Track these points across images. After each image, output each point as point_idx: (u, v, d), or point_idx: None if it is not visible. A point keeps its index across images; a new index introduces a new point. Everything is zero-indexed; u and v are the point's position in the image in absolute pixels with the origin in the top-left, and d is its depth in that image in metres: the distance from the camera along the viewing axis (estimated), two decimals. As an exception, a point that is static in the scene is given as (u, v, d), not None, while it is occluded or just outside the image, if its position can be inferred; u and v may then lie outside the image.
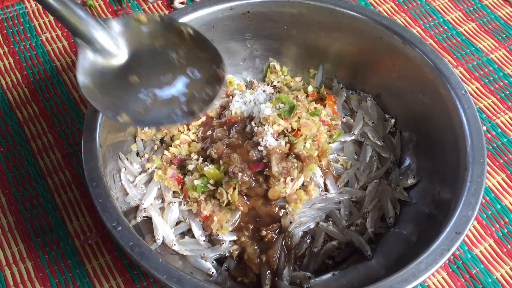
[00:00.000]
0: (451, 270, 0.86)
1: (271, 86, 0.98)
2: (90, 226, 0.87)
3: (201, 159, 0.82)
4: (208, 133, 0.87)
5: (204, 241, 0.80)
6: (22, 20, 1.14)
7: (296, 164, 0.80)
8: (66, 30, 1.13)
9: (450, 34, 1.18)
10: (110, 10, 1.17)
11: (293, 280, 0.78)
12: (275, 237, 0.80)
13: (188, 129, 0.89)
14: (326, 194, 0.84)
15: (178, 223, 0.82)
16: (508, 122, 1.04)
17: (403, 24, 1.17)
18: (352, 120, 0.94)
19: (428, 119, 0.85)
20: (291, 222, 0.81)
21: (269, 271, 0.78)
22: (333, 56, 0.97)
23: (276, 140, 0.81)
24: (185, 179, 0.81)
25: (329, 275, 0.78)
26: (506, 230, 0.90)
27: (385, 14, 1.20)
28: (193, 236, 0.80)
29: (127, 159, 0.85)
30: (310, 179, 0.83)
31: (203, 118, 0.89)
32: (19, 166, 0.94)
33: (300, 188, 0.81)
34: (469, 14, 1.22)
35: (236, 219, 0.80)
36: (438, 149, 0.82)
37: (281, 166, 0.78)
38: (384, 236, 0.82)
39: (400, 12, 1.22)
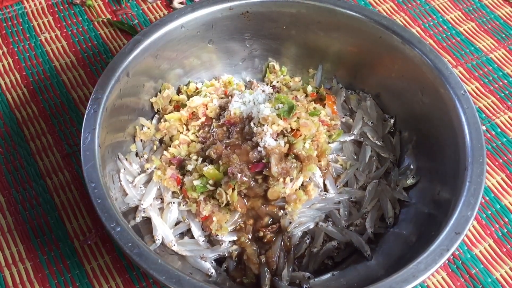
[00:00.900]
0: (450, 270, 0.86)
1: (270, 86, 0.98)
2: (89, 227, 0.87)
3: (200, 160, 0.82)
4: (207, 134, 0.87)
5: (203, 241, 0.80)
6: (21, 20, 1.14)
7: (295, 164, 0.80)
8: (65, 30, 1.13)
9: (449, 33, 1.18)
10: (109, 10, 1.17)
11: (292, 280, 0.78)
12: (275, 237, 0.80)
13: (188, 130, 0.89)
14: (325, 194, 0.84)
15: (177, 223, 0.82)
16: (507, 121, 1.04)
17: (403, 24, 1.17)
18: (351, 120, 0.94)
19: (428, 119, 0.85)
20: (290, 222, 0.81)
21: (268, 271, 0.78)
22: (332, 56, 0.97)
23: (275, 140, 0.81)
24: (184, 180, 0.81)
25: (328, 275, 0.78)
26: (506, 230, 0.90)
27: (385, 13, 1.20)
28: (192, 237, 0.80)
29: (126, 160, 0.85)
30: (309, 179, 0.83)
31: (203, 119, 0.89)
32: (18, 166, 0.93)
33: (299, 188, 0.81)
34: (468, 14, 1.22)
35: (235, 219, 0.80)
36: (437, 149, 0.82)
37: (281, 166, 0.78)
38: (384, 236, 0.82)
39: (399, 11, 1.21)
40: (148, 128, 0.90)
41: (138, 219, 0.80)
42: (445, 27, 1.19)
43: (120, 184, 0.81)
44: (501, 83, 1.10)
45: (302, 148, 0.81)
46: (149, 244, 0.76)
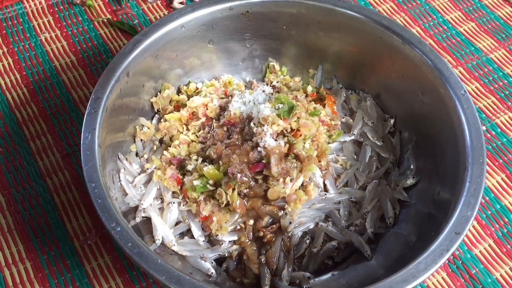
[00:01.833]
0: (450, 270, 0.86)
1: (270, 86, 0.98)
2: (89, 227, 0.87)
3: (200, 160, 0.82)
4: (207, 134, 0.87)
5: (203, 241, 0.80)
6: (21, 20, 1.14)
7: (295, 164, 0.80)
8: (65, 30, 1.13)
9: (449, 34, 1.18)
10: (109, 10, 1.17)
11: (292, 280, 0.78)
12: (275, 237, 0.80)
13: (188, 130, 0.89)
14: (325, 194, 0.84)
15: (177, 223, 0.82)
16: (507, 122, 1.04)
17: (403, 24, 1.17)
18: (351, 120, 0.94)
19: (428, 119, 0.85)
20: (290, 222, 0.81)
21: (268, 271, 0.78)
22: (332, 56, 0.97)
23: (275, 140, 0.81)
24: (184, 180, 0.81)
25: (328, 275, 0.78)
26: (506, 230, 0.90)
27: (385, 14, 1.20)
28: (192, 237, 0.80)
29: (126, 160, 0.85)
30: (309, 179, 0.83)
31: (203, 119, 0.89)
32: (18, 166, 0.93)
33: (299, 188, 0.81)
34: (468, 14, 1.22)
35: (235, 220, 0.80)
36: (437, 149, 0.82)
37: (281, 166, 0.78)
38: (384, 236, 0.82)
39: (399, 12, 1.21)
40: (148, 128, 0.90)
41: (138, 219, 0.80)
42: (445, 27, 1.19)
43: (120, 184, 0.81)
44: (501, 83, 1.10)
45: (302, 148, 0.81)
46: (149, 244, 0.76)
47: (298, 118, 0.84)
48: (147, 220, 0.81)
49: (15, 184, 0.91)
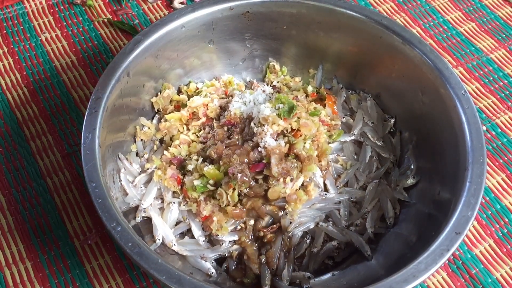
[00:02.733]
0: (451, 270, 0.86)
1: (270, 86, 0.98)
2: (89, 227, 0.87)
3: (200, 160, 0.82)
4: (208, 134, 0.87)
5: (203, 241, 0.80)
6: (21, 20, 1.14)
7: (295, 164, 0.80)
8: (65, 30, 1.13)
9: (450, 34, 1.18)
10: (110, 10, 1.17)
11: (292, 280, 0.78)
12: (275, 237, 0.80)
13: (188, 130, 0.89)
14: (325, 194, 0.84)
15: (177, 223, 0.82)
16: (508, 122, 1.04)
17: (403, 24, 1.17)
18: (351, 120, 0.94)
19: (428, 119, 0.85)
20: (290, 222, 0.81)
21: (268, 271, 0.78)
22: (332, 56, 0.97)
23: (276, 140, 0.81)
24: (184, 179, 0.81)
25: (328, 275, 0.78)
26: (506, 230, 0.90)
27: (385, 14, 1.20)
28: (192, 237, 0.80)
29: (127, 159, 0.85)
30: (309, 179, 0.83)
31: (203, 119, 0.89)
32: (19, 166, 0.93)
33: (299, 188, 0.81)
34: (469, 14, 1.22)
35: (235, 220, 0.80)
36: (437, 149, 0.82)
37: (281, 166, 0.78)
38: (384, 236, 0.82)
39: (399, 12, 1.21)
40: (149, 128, 0.90)
41: (138, 219, 0.80)
42: (446, 27, 1.19)
43: (121, 184, 0.81)
44: (501, 83, 1.10)
45: (302, 148, 0.81)
46: (149, 244, 0.76)
47: (298, 118, 0.84)
48: (148, 220, 0.81)
49: (16, 184, 0.91)
